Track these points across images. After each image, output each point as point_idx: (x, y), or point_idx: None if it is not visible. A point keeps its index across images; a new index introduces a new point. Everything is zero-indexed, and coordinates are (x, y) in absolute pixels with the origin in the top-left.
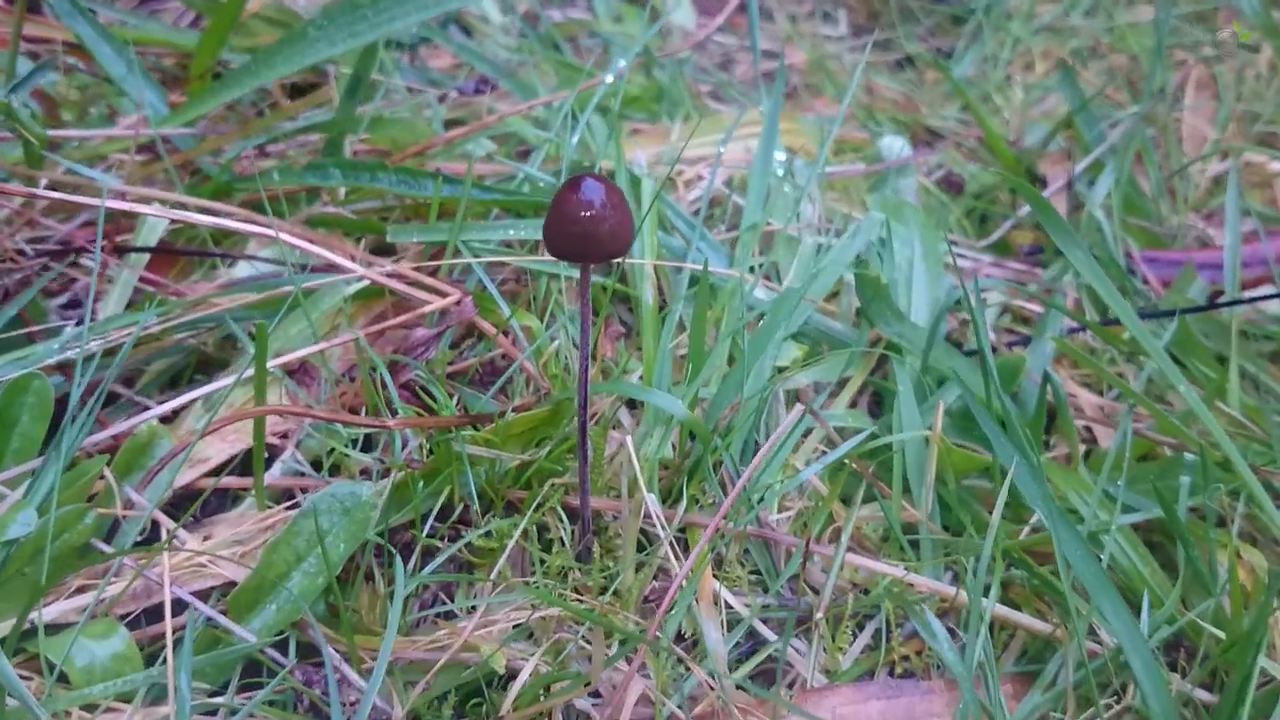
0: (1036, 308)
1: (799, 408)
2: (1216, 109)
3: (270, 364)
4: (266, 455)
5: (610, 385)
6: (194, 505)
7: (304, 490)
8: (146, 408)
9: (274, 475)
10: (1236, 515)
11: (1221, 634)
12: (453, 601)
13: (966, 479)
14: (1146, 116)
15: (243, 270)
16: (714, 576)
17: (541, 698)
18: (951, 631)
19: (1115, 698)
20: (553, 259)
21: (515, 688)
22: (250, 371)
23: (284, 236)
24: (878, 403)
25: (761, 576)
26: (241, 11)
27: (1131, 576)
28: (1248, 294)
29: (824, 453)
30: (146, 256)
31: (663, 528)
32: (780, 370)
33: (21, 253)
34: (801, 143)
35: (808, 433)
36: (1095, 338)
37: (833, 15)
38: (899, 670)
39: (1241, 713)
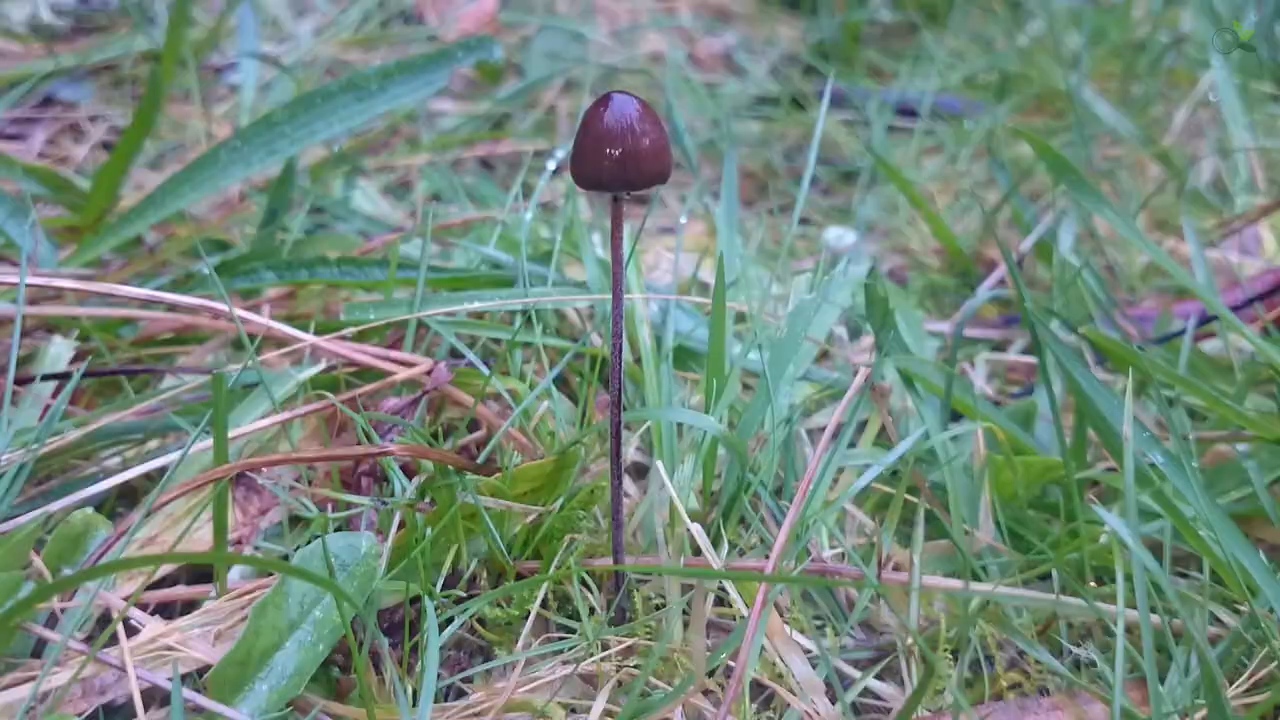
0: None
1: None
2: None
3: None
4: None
5: (643, 412)
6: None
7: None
8: None
9: (234, 577)
10: None
11: None
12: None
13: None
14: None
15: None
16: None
17: None
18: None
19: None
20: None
21: None
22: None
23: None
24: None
25: (824, 620)
26: (141, 147)
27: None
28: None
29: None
30: (50, 386)
31: (714, 559)
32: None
33: None
34: None
35: (840, 472)
36: None
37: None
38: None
39: None
